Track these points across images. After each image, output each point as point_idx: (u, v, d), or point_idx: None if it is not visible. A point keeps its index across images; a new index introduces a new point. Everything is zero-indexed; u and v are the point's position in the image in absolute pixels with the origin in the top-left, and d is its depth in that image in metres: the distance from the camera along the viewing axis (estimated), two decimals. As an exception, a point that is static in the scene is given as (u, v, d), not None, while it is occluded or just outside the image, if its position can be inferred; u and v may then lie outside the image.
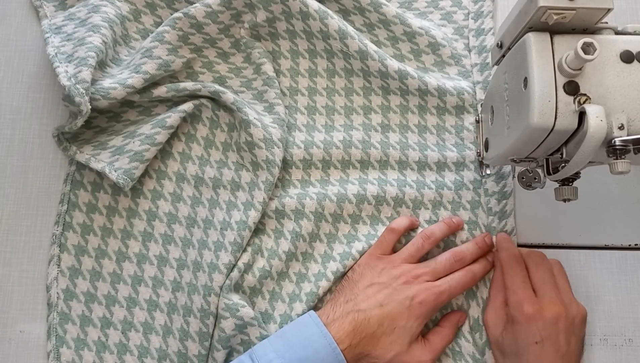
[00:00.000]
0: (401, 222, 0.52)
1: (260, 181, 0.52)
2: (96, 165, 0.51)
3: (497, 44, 0.45)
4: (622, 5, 0.60)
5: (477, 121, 0.53)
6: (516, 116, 0.40)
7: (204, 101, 0.56)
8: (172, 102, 0.56)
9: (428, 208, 0.54)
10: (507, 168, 0.55)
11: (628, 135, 0.37)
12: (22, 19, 0.60)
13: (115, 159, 0.52)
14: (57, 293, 0.52)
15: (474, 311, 0.52)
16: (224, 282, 0.50)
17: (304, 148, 0.55)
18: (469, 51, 0.58)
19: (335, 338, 0.46)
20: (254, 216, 0.51)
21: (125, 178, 0.51)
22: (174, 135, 0.56)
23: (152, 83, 0.54)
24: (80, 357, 0.51)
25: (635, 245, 0.54)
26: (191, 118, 0.56)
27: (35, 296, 0.53)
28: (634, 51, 0.39)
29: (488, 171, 0.54)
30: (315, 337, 0.46)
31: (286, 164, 0.55)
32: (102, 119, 0.56)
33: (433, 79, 0.56)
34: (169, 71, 0.55)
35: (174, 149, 0.55)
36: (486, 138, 0.51)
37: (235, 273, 0.50)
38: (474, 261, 0.51)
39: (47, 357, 0.51)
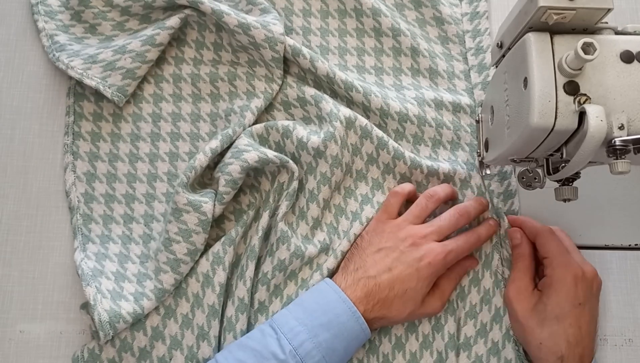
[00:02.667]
0: (405, 186, 0.53)
1: (259, 74, 0.56)
2: (90, 82, 0.54)
3: (497, 44, 0.45)
4: (622, 5, 0.60)
5: (477, 121, 0.53)
6: (516, 116, 0.40)
7: (188, 12, 0.57)
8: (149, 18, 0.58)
9: (428, 146, 0.56)
10: (509, 168, 0.55)
11: (628, 135, 0.37)
12: (22, 19, 0.60)
13: (107, 75, 0.54)
14: (77, 197, 0.55)
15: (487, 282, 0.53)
16: (203, 162, 0.51)
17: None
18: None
19: None
20: (256, 103, 0.55)
21: (119, 94, 0.54)
22: (163, 58, 0.58)
23: None
24: (106, 248, 0.53)
25: (635, 245, 0.54)
26: (177, 42, 0.58)
27: (35, 296, 0.53)
28: (634, 50, 0.39)
29: (488, 171, 0.53)
30: (335, 302, 0.47)
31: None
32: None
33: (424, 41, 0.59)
34: None
35: (167, 54, 0.58)
36: (486, 138, 0.50)
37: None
38: (478, 223, 0.53)
39: (74, 252, 0.52)
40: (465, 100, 0.57)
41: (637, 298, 0.53)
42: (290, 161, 0.53)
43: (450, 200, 0.54)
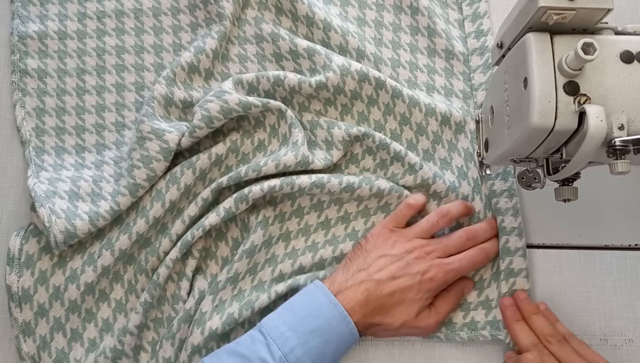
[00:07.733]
0: (419, 198, 0.54)
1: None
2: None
3: (497, 44, 0.45)
4: (622, 5, 0.60)
5: (477, 121, 0.53)
6: (516, 116, 0.40)
7: None
8: None
9: (422, 90, 0.58)
10: (510, 167, 0.55)
11: (628, 135, 0.37)
12: (22, 19, 0.60)
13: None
14: (28, 131, 0.56)
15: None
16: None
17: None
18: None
19: (347, 307, 0.47)
20: (210, 44, 0.57)
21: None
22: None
23: None
24: (59, 174, 0.55)
25: (635, 245, 0.54)
26: None
27: (35, 296, 0.53)
28: (634, 51, 0.39)
29: (488, 171, 0.53)
30: (325, 306, 0.47)
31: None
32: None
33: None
34: None
35: None
36: (486, 138, 0.50)
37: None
38: (486, 240, 0.53)
39: (27, 180, 0.54)
40: (459, 47, 0.59)
41: (637, 298, 0.53)
42: (271, 101, 0.54)
43: (465, 216, 0.54)
